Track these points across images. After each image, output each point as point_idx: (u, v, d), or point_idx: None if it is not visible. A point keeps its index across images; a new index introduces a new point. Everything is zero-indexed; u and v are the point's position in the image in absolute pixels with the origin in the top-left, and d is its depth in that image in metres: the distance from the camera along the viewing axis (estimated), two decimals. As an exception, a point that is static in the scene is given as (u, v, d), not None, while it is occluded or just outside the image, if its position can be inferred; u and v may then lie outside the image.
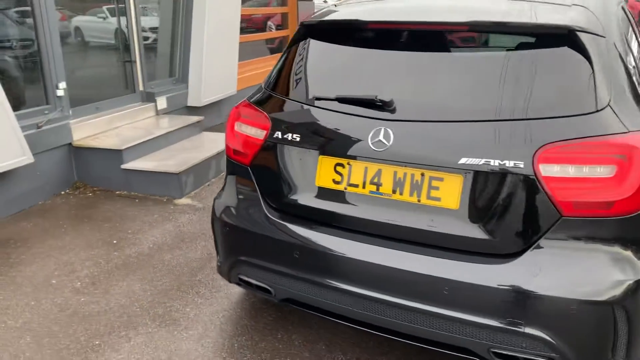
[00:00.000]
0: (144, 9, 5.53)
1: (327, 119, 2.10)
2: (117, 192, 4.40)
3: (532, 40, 1.95)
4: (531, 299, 1.77)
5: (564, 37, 1.89)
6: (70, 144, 4.44)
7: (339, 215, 2.09)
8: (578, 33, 1.88)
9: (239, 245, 2.32)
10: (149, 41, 5.71)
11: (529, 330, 1.80)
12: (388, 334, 2.07)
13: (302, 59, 2.30)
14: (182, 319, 2.69)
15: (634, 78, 2.10)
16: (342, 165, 2.06)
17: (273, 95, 2.30)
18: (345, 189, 2.06)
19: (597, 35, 1.94)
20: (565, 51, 1.90)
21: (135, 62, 5.24)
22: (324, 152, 2.09)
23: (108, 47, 5.26)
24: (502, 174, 1.80)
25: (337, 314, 2.15)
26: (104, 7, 5.20)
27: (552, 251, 1.79)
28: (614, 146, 1.75)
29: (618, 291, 1.74)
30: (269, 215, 2.23)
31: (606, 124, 1.79)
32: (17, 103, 4.12)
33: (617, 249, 1.78)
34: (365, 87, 2.08)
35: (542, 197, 1.77)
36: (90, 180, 4.51)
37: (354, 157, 2.03)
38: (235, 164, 2.36)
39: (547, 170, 1.75)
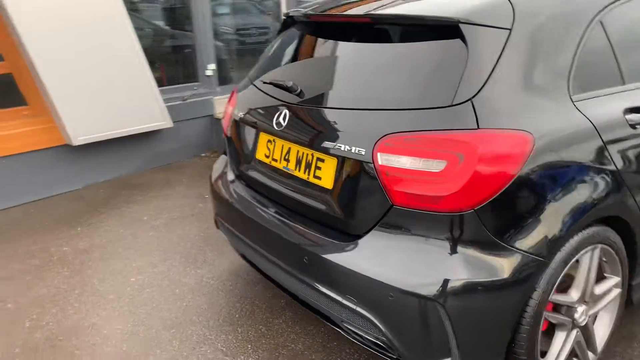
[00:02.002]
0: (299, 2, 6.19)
1: (265, 100, 2.41)
2: (240, 159, 5.18)
3: (420, 31, 1.97)
4: (359, 280, 1.86)
5: (447, 29, 1.88)
6: (212, 115, 5.37)
7: (263, 185, 2.40)
8: (461, 25, 1.85)
9: (216, 204, 2.77)
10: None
11: (360, 309, 1.90)
12: (289, 295, 2.33)
13: (271, 47, 2.63)
14: (200, 260, 3.28)
15: (557, 74, 1.92)
16: (271, 141, 2.36)
17: (249, 79, 2.68)
18: (270, 162, 2.36)
19: (494, 27, 1.86)
20: (444, 43, 1.89)
21: (284, 48, 5.95)
22: (262, 129, 2.41)
23: (262, 37, 6.07)
24: (354, 160, 1.91)
25: (263, 272, 2.48)
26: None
27: (382, 237, 1.85)
28: (450, 141, 1.73)
29: (438, 288, 1.73)
30: (229, 180, 2.64)
31: (455, 119, 1.76)
32: (172, 80, 5.18)
33: (444, 245, 1.76)
34: (292, 73, 2.34)
35: (378, 184, 1.84)
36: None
37: (274, 135, 2.31)
38: (223, 137, 2.82)
39: (384, 159, 1.81)
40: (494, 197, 1.71)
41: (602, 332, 2.20)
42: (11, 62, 4.17)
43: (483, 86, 1.78)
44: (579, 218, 1.84)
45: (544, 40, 1.93)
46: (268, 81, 2.38)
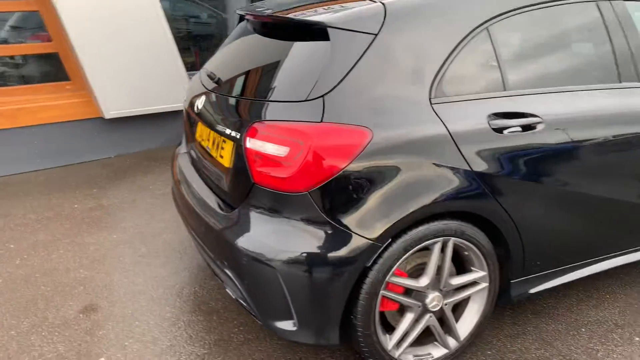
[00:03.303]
0: None
1: (199, 87, 2.75)
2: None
3: (304, 34, 2.19)
4: (226, 245, 2.17)
5: (319, 33, 2.11)
6: (240, 99, 5.79)
7: (195, 160, 2.75)
8: (328, 29, 2.07)
9: (172, 177, 3.17)
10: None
11: (228, 271, 2.21)
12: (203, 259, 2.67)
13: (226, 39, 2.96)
14: (176, 225, 3.71)
15: (422, 78, 2.08)
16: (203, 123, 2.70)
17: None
18: (202, 142, 2.70)
19: (358, 32, 2.06)
20: (315, 45, 2.12)
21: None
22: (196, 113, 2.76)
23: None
24: (237, 143, 2.20)
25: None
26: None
27: (246, 210, 2.14)
28: (293, 131, 1.98)
29: (275, 256, 2.00)
30: (179, 157, 3.02)
31: (305, 112, 2.00)
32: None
33: (285, 220, 2.02)
34: (221, 63, 2.66)
35: (246, 165, 2.12)
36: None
37: (199, 118, 2.64)
38: (185, 118, 3.20)
39: (251, 143, 2.09)
40: (327, 181, 1.94)
41: (467, 321, 2.34)
42: (58, 42, 4.82)
43: (337, 85, 2.00)
44: (416, 211, 2.01)
45: (412, 46, 2.10)
46: (204, 69, 2.73)
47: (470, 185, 2.10)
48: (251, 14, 2.56)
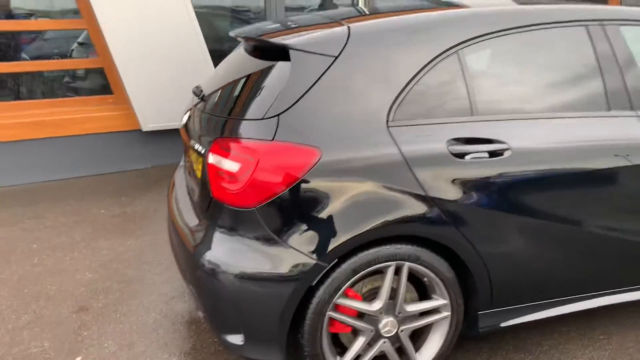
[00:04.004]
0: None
1: (190, 103, 2.87)
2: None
3: (273, 55, 2.25)
4: (188, 256, 2.25)
5: (283, 54, 2.16)
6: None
7: (186, 173, 2.86)
8: (290, 50, 2.13)
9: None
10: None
11: (191, 287, 2.29)
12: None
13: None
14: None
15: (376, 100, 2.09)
16: (195, 138, 2.82)
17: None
18: (190, 156, 2.81)
19: (318, 54, 2.10)
20: (279, 65, 2.17)
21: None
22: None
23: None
24: (203, 158, 2.29)
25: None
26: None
27: (205, 225, 2.21)
28: (245, 148, 2.04)
29: (223, 270, 2.05)
30: (178, 168, 3.15)
31: (260, 130, 2.05)
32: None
33: (234, 234, 2.07)
34: (211, 80, 2.76)
35: (207, 179, 2.20)
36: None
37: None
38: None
39: (211, 158, 2.16)
40: (273, 199, 1.98)
41: (429, 351, 2.27)
42: (104, 58, 5.15)
43: (293, 105, 2.05)
44: (362, 233, 2.00)
45: (374, 69, 2.11)
46: (196, 86, 2.85)
47: (423, 210, 2.07)
48: (240, 36, 2.66)
